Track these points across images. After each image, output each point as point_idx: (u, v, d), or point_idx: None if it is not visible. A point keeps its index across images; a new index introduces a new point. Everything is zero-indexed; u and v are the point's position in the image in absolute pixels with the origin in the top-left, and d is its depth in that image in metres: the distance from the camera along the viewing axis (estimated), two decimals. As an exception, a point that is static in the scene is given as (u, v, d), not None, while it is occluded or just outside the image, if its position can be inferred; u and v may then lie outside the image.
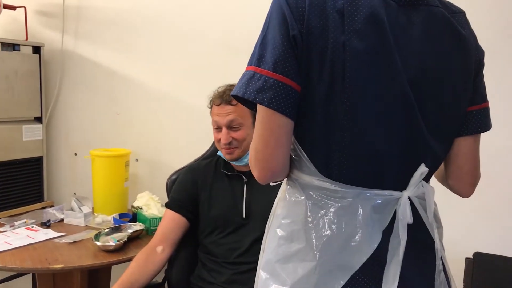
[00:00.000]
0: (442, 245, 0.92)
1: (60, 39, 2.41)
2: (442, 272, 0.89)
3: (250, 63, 0.81)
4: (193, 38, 2.16)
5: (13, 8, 2.36)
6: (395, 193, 0.84)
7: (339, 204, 0.83)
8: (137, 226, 1.86)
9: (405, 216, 0.83)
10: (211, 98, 1.59)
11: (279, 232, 0.88)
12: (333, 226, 0.83)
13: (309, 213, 0.85)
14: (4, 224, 1.94)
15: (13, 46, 2.21)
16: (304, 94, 0.79)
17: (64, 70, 2.44)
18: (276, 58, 0.77)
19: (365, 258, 0.81)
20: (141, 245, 1.72)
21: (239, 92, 0.79)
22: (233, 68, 1.99)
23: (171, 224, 1.57)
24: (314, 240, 0.83)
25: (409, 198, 0.85)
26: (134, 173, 2.31)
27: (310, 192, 0.86)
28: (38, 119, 2.35)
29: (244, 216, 1.51)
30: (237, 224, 1.51)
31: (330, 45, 0.77)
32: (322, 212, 0.84)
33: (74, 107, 2.46)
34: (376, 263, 0.83)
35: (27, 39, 2.38)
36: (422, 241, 0.88)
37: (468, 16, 0.91)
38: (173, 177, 1.77)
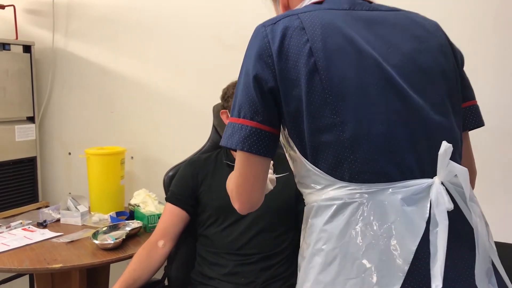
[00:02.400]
0: (492, 245, 0.85)
1: (50, 37, 2.38)
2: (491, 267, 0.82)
3: (232, 114, 0.88)
4: (186, 34, 2.15)
5: (1, 7, 2.33)
6: (424, 181, 0.80)
7: (365, 207, 0.80)
8: (135, 224, 1.84)
9: (441, 202, 0.78)
10: (230, 92, 1.58)
11: (314, 259, 0.84)
12: (366, 233, 0.78)
13: (338, 231, 0.81)
14: (0, 226, 1.91)
15: (3, 46, 2.18)
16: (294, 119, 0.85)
17: (56, 68, 2.42)
18: (254, 109, 0.85)
19: (411, 256, 0.76)
20: (139, 243, 1.71)
21: (225, 143, 0.88)
22: (227, 64, 1.99)
23: (171, 218, 1.56)
24: (352, 254, 0.79)
25: (443, 184, 0.81)
26: (130, 171, 2.30)
27: (330, 208, 0.83)
28: (31, 119, 2.33)
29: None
30: (239, 215, 1.50)
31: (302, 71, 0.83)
32: (350, 223, 0.80)
33: (67, 106, 2.44)
34: (421, 259, 0.78)
35: (17, 38, 2.35)
36: (461, 231, 0.82)
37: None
38: (170, 173, 1.76)
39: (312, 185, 0.86)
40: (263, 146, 0.86)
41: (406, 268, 0.75)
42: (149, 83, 2.25)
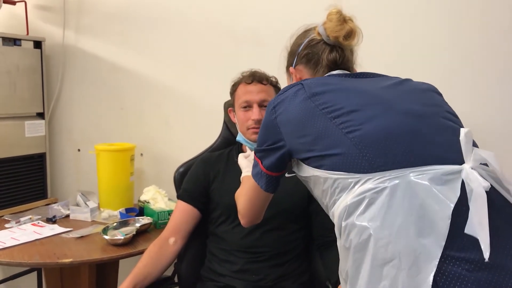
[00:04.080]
0: None
1: (61, 33, 2.38)
2: None
3: (260, 162, 1.09)
4: (197, 29, 2.14)
5: (13, 3, 2.34)
6: (454, 166, 0.82)
7: (394, 191, 0.81)
8: (145, 220, 1.83)
9: (475, 180, 0.79)
10: (236, 80, 1.59)
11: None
12: (397, 216, 0.79)
13: (371, 223, 0.82)
14: (10, 221, 1.91)
15: (14, 41, 2.18)
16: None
17: (66, 64, 2.42)
18: (272, 164, 1.06)
19: (443, 240, 0.76)
20: (149, 239, 1.70)
21: (252, 176, 1.13)
22: (239, 59, 1.99)
23: (183, 215, 1.55)
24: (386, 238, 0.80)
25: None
26: (140, 168, 2.29)
27: (362, 202, 0.84)
28: (41, 115, 2.33)
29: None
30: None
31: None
32: (385, 207, 0.81)
33: (77, 102, 2.43)
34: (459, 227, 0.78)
35: (28, 34, 2.36)
36: (500, 206, 0.82)
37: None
38: (181, 169, 1.75)
39: (340, 194, 0.90)
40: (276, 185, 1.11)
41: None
42: (159, 79, 2.24)
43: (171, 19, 2.19)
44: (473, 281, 0.72)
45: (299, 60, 1.16)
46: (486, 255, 0.74)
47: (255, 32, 2.02)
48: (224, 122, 1.83)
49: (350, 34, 1.08)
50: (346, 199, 0.87)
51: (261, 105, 1.52)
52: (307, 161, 0.97)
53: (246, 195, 1.17)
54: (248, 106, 1.53)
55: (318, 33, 1.11)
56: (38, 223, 1.91)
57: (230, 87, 1.65)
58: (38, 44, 2.30)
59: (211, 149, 1.79)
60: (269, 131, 1.04)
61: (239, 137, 1.57)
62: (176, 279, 1.70)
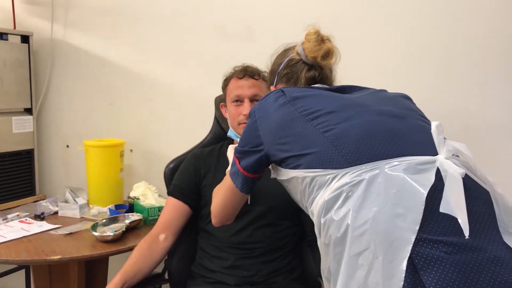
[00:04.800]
0: None
1: (49, 27, 2.34)
2: None
3: (238, 162, 1.12)
4: (187, 24, 2.12)
5: (-1, -4, 2.30)
6: (428, 157, 0.84)
7: (370, 183, 0.83)
8: (135, 216, 1.81)
9: (450, 168, 0.82)
10: (228, 75, 1.60)
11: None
12: (373, 206, 0.80)
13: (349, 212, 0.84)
14: (-3, 218, 1.88)
15: (0, 35, 2.14)
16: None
17: (54, 59, 2.38)
18: (249, 165, 1.10)
19: (416, 225, 0.76)
20: (139, 235, 1.69)
21: (229, 175, 1.17)
22: (230, 54, 1.98)
23: (173, 211, 1.54)
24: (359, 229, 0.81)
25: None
26: (129, 164, 2.27)
27: (340, 196, 0.86)
28: (28, 111, 2.29)
29: (249, 203, 1.48)
30: (242, 211, 1.46)
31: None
32: (362, 199, 0.83)
33: (65, 98, 2.40)
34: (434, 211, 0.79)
35: (15, 28, 2.32)
36: (476, 193, 0.84)
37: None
38: (171, 165, 1.73)
39: (318, 191, 0.92)
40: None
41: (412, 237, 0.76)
42: (149, 74, 2.22)
43: (161, 13, 2.17)
44: (452, 263, 0.73)
45: (279, 79, 1.20)
46: (466, 232, 0.75)
47: (247, 26, 2.00)
48: (215, 117, 1.81)
49: (328, 54, 1.12)
50: (324, 195, 0.89)
51: (252, 100, 1.51)
52: (285, 163, 1.00)
53: (221, 194, 1.21)
54: (239, 101, 1.52)
55: (297, 53, 1.15)
56: (26, 220, 1.88)
57: (222, 82, 1.64)
58: (25, 39, 2.26)
59: (202, 145, 1.77)
60: (250, 134, 1.09)
61: (230, 132, 1.56)
62: (166, 276, 1.69)
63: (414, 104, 1.11)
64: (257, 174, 1.12)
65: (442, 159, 0.84)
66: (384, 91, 1.13)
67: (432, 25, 1.71)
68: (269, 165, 1.11)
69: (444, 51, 1.70)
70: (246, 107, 1.49)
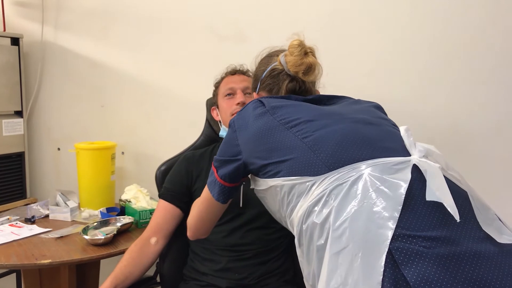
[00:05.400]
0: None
1: (39, 30, 2.33)
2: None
3: (216, 171, 1.13)
4: (179, 25, 2.11)
5: (-11, -2, 2.28)
6: (402, 157, 0.87)
7: (346, 187, 0.84)
8: (126, 219, 1.80)
9: (425, 164, 0.85)
10: (219, 78, 1.63)
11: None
12: (352, 206, 0.82)
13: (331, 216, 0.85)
14: (-14, 222, 1.86)
15: (-10, 38, 2.13)
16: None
17: (45, 62, 2.37)
18: (226, 174, 1.11)
19: (394, 222, 0.77)
20: (131, 239, 1.68)
21: (207, 184, 1.18)
22: (221, 56, 1.97)
23: (165, 214, 1.52)
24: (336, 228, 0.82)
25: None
26: (121, 166, 2.25)
27: (319, 201, 0.87)
28: (19, 113, 2.28)
29: (241, 205, 1.48)
30: (234, 214, 1.47)
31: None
32: (330, 204, 0.85)
33: (56, 100, 2.39)
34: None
35: (4, 30, 2.30)
36: (452, 187, 0.85)
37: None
38: (163, 167, 1.72)
39: (298, 199, 0.93)
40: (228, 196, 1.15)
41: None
42: (140, 76, 2.21)
43: (152, 15, 2.16)
44: (431, 257, 0.74)
45: (262, 87, 1.22)
46: (456, 216, 0.78)
47: (238, 28, 2.00)
48: (207, 119, 1.81)
49: (310, 69, 1.13)
50: (304, 203, 0.90)
51: (245, 92, 1.54)
52: (263, 171, 1.01)
53: (198, 205, 1.23)
54: (232, 94, 1.55)
55: (280, 63, 1.16)
56: (16, 223, 1.86)
57: (214, 84, 1.64)
58: (15, 41, 2.25)
59: (194, 147, 1.77)
60: (229, 144, 1.10)
61: (222, 132, 1.56)
62: (158, 279, 1.68)
63: (386, 114, 1.15)
64: (233, 184, 1.13)
65: (416, 159, 0.87)
66: (358, 102, 1.16)
67: (419, 26, 1.72)
68: (247, 175, 1.12)
69: (432, 51, 1.71)
70: (239, 97, 1.52)
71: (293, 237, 1.53)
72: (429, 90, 1.73)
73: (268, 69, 1.19)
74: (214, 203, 1.16)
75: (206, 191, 1.17)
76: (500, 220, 0.86)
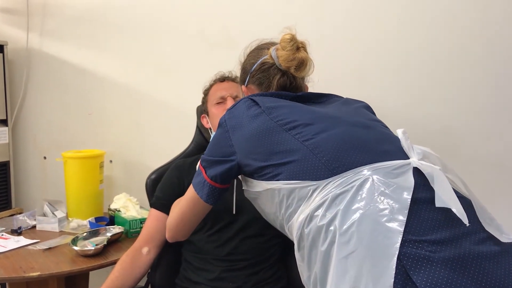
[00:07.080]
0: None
1: (24, 37, 2.29)
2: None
3: (205, 171, 1.10)
4: (168, 31, 2.09)
5: (-28, 5, 2.24)
6: (402, 161, 0.87)
7: (348, 190, 0.84)
8: (116, 229, 1.77)
9: (426, 166, 0.85)
10: (208, 85, 1.63)
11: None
12: (358, 210, 0.81)
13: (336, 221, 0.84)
14: (-29, 234, 1.82)
15: (-26, 45, 2.09)
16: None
17: (30, 69, 2.33)
18: (218, 174, 1.08)
19: (402, 226, 0.77)
20: (121, 249, 1.65)
21: (193, 185, 1.15)
22: (210, 62, 1.95)
23: (156, 224, 1.50)
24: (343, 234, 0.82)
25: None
26: (109, 175, 2.22)
27: (322, 206, 0.86)
28: (3, 122, 2.23)
29: (234, 213, 1.46)
30: (227, 221, 1.46)
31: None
32: (335, 208, 0.85)
33: (42, 108, 2.34)
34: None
35: (-12, 38, 2.26)
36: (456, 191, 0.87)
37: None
38: (153, 176, 1.70)
39: (298, 203, 0.91)
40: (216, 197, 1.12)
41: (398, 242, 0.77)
42: (129, 83, 2.18)
43: (140, 21, 2.14)
44: (438, 261, 0.74)
45: (251, 80, 1.19)
46: (465, 220, 0.78)
47: (228, 34, 1.99)
48: (197, 127, 1.79)
49: (301, 64, 1.11)
50: (306, 208, 0.89)
51: (235, 98, 1.54)
52: (260, 173, 0.99)
53: (180, 206, 1.19)
54: (222, 100, 1.56)
55: (271, 57, 1.13)
56: (2, 235, 1.82)
57: (203, 91, 1.63)
58: (0, 48, 2.20)
59: (184, 155, 1.75)
60: (220, 143, 1.07)
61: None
62: (149, 290, 1.65)
63: (374, 113, 1.15)
64: (224, 185, 1.10)
65: (415, 162, 0.87)
66: (348, 101, 1.14)
67: (412, 30, 1.73)
68: (238, 176, 1.09)
69: (424, 56, 1.72)
70: (229, 104, 1.52)
71: (286, 245, 1.53)
72: (421, 94, 1.73)
73: (258, 62, 1.16)
74: (201, 204, 1.12)
75: (191, 192, 1.13)
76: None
